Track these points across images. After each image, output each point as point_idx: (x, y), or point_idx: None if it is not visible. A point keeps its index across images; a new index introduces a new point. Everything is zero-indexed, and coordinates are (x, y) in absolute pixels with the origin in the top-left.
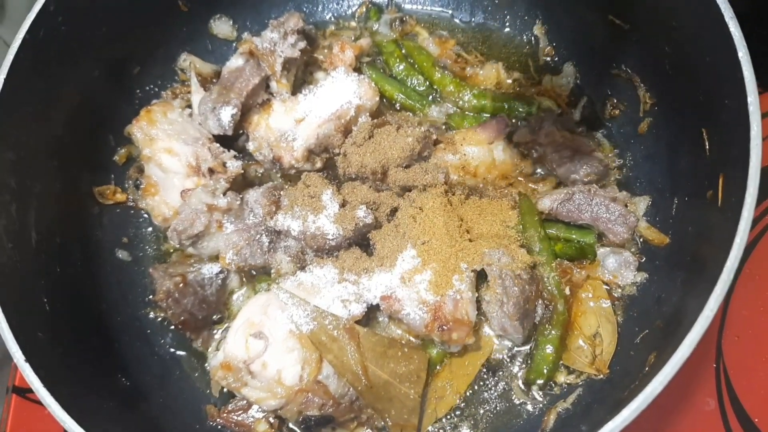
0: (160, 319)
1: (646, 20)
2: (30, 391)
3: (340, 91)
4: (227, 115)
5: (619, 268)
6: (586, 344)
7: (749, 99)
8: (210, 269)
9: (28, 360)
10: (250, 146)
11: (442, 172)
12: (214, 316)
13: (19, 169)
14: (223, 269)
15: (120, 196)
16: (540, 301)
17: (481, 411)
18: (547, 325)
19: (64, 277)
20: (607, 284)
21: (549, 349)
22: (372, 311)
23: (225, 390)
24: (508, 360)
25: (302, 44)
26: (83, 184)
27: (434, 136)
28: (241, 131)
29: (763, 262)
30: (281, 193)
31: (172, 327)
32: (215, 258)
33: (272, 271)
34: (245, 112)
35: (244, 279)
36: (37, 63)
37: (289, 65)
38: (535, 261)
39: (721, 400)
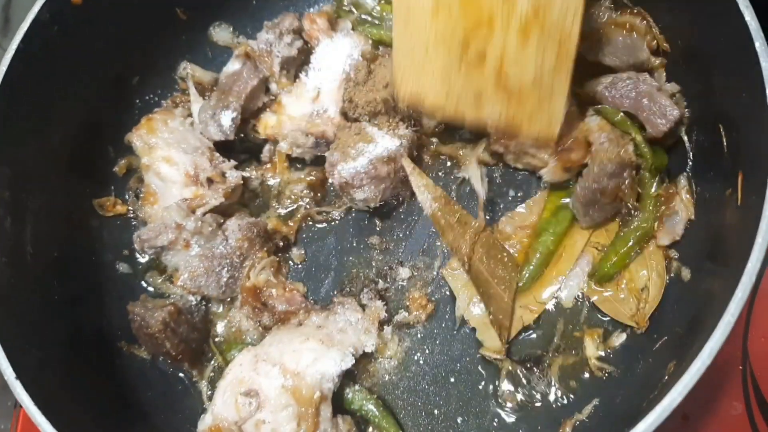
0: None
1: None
2: None
3: (335, 54)
4: (227, 119)
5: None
6: (633, 297)
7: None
8: (190, 297)
9: (18, 378)
10: (283, 146)
11: None
12: (203, 344)
13: (14, 183)
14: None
15: (120, 208)
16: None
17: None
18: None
19: (62, 292)
20: None
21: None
22: None
23: None
24: None
25: (299, 43)
26: (82, 196)
27: None
28: (261, 139)
29: None
30: (259, 232)
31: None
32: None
33: (232, 329)
34: (246, 116)
35: (225, 306)
36: (33, 73)
37: (288, 65)
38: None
39: (748, 404)
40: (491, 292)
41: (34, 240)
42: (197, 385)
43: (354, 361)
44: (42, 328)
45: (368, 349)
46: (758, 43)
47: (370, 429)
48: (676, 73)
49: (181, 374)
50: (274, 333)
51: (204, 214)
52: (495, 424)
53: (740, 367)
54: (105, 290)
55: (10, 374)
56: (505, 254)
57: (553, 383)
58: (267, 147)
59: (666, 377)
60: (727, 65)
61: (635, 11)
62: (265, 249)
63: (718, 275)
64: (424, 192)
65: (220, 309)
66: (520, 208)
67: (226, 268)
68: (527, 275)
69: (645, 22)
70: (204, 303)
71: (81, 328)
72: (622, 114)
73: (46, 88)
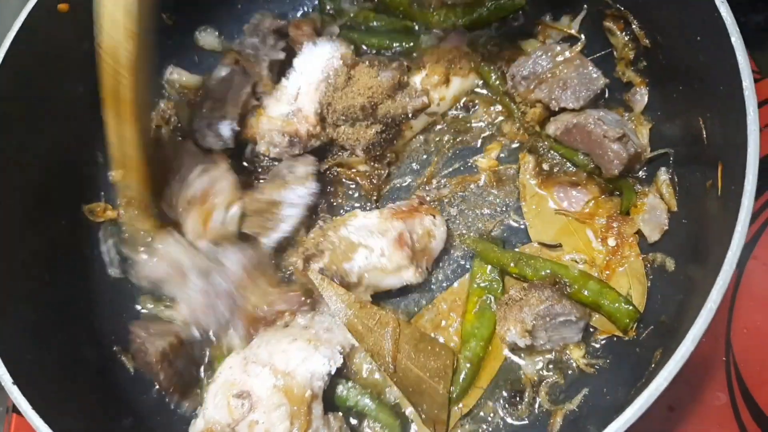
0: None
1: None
2: None
3: (317, 58)
4: (226, 129)
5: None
6: None
7: (744, 84)
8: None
9: (15, 382)
10: (261, 147)
11: (422, 95)
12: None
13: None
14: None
15: (111, 213)
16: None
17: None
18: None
19: (55, 296)
20: None
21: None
22: None
23: None
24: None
25: (282, 44)
26: (72, 202)
27: (406, 63)
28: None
29: None
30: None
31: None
32: None
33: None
34: (241, 123)
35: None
36: (17, 80)
37: (274, 67)
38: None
39: (732, 394)
40: (423, 387)
41: (25, 245)
42: None
43: (343, 360)
44: (34, 332)
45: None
46: (734, 38)
47: (366, 423)
48: (656, 69)
49: None
50: (261, 335)
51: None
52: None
53: (723, 359)
54: (97, 295)
55: (7, 379)
56: (435, 345)
57: (541, 404)
58: (249, 148)
59: (653, 365)
60: (705, 59)
61: (615, 12)
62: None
63: (700, 264)
64: (336, 302)
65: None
66: (456, 284)
67: (221, 306)
68: (457, 388)
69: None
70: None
71: (73, 331)
72: (581, 155)
73: (32, 92)
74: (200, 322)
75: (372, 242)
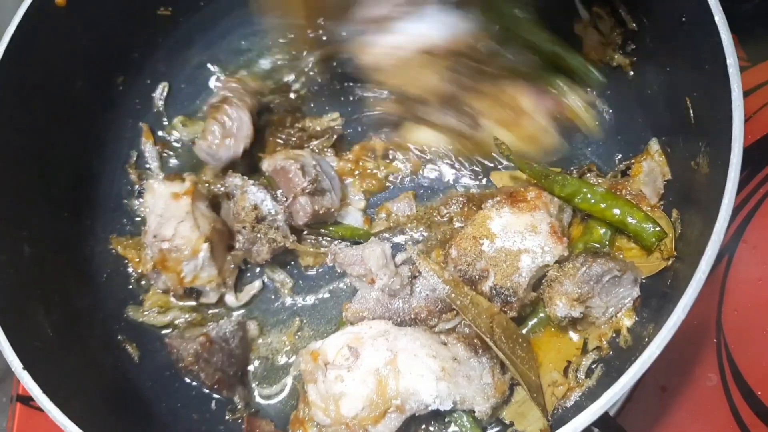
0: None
1: None
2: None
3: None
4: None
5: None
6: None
7: (729, 61)
8: (228, 322)
9: (26, 368)
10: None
11: None
12: (243, 369)
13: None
14: (240, 321)
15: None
16: None
17: None
18: None
19: (61, 286)
20: None
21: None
22: None
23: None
24: None
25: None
26: (74, 195)
27: None
28: None
29: (759, 235)
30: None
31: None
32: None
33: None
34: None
35: (262, 327)
36: (15, 75)
37: None
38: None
39: (723, 375)
40: (520, 370)
41: (30, 239)
42: None
43: (450, 408)
44: (43, 321)
45: (476, 412)
46: (717, 17)
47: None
48: (646, 51)
49: None
50: (416, 328)
51: None
52: None
53: (714, 340)
54: (101, 283)
55: (17, 365)
56: (520, 336)
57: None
58: None
59: (646, 339)
60: (690, 39)
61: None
62: None
63: (690, 238)
64: (433, 277)
65: (257, 333)
66: None
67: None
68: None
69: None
70: (240, 326)
71: (80, 321)
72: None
73: (30, 87)
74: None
75: (530, 244)
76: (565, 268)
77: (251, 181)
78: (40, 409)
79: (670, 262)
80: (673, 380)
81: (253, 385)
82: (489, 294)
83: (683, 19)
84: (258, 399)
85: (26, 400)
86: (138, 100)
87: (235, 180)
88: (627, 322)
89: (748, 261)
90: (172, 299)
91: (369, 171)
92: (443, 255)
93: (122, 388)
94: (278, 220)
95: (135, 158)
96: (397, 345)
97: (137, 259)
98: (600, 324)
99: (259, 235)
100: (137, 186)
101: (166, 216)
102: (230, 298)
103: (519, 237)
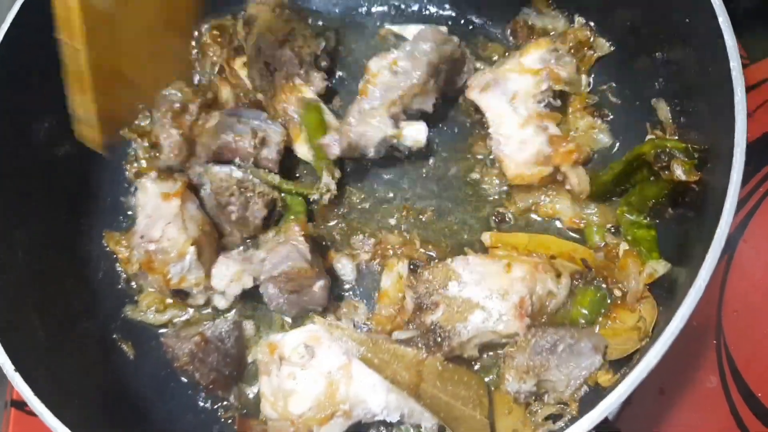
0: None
1: None
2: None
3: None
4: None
5: None
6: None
7: (732, 64)
8: (223, 322)
9: (18, 370)
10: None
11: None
12: (239, 369)
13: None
14: (236, 321)
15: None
16: None
17: None
18: None
19: (54, 291)
20: None
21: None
22: None
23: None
24: None
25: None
26: (70, 192)
27: None
28: None
29: (759, 236)
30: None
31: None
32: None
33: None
34: None
35: (258, 326)
36: (12, 65)
37: None
38: None
39: (723, 377)
40: (456, 414)
41: (24, 244)
42: None
43: (397, 420)
44: (36, 324)
45: (422, 428)
46: (721, 19)
47: None
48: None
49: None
50: (378, 335)
51: None
52: None
53: (714, 342)
54: (95, 287)
55: (9, 367)
56: (463, 375)
57: None
58: None
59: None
60: (696, 42)
61: None
62: None
63: (689, 245)
64: (347, 341)
65: (254, 333)
66: None
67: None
68: None
69: None
70: (236, 326)
71: (74, 324)
72: None
73: (28, 89)
74: None
75: (491, 305)
76: (518, 343)
77: (211, 164)
78: (34, 414)
79: (643, 343)
80: (671, 382)
81: (249, 385)
82: (428, 327)
83: (687, 20)
84: (253, 399)
85: (21, 405)
86: None
87: (197, 169)
88: (604, 378)
89: (748, 261)
90: (169, 300)
91: None
92: (417, 274)
93: (117, 388)
94: (252, 178)
95: (132, 154)
96: (354, 348)
97: (126, 255)
98: (566, 399)
99: (249, 194)
100: (134, 184)
101: (155, 217)
102: (219, 300)
103: (485, 293)
